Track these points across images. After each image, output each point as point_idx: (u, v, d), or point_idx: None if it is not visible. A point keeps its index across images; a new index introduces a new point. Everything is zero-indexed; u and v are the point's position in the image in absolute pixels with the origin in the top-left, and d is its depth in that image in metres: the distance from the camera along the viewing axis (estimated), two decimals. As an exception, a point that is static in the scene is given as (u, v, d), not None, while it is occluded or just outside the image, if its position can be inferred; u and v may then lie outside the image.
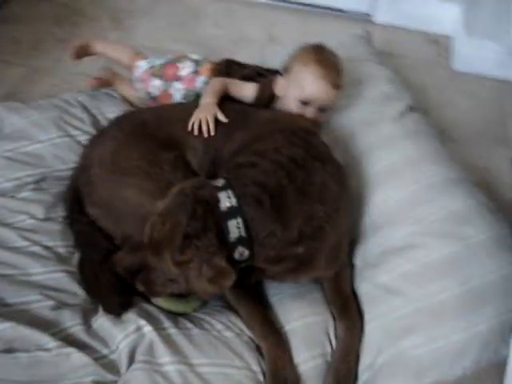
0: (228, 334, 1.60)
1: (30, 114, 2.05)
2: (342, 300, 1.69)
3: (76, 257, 1.77)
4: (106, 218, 1.78)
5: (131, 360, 1.52)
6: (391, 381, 1.55)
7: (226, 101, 1.93)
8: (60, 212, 1.86)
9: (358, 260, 1.78)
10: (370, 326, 1.62)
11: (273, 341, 1.58)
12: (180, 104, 2.05)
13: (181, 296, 1.62)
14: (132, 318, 1.58)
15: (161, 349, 1.52)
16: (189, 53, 2.16)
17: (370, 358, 1.58)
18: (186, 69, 2.06)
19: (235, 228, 1.45)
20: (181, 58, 2.10)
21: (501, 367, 1.50)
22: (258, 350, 1.60)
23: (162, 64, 2.09)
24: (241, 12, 3.00)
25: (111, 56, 2.21)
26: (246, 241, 1.46)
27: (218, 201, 1.46)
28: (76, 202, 1.83)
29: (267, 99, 1.96)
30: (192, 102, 2.00)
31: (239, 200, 1.47)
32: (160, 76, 2.08)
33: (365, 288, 1.71)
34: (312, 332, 1.63)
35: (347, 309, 1.67)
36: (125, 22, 2.85)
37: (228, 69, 2.05)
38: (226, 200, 1.47)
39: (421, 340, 1.54)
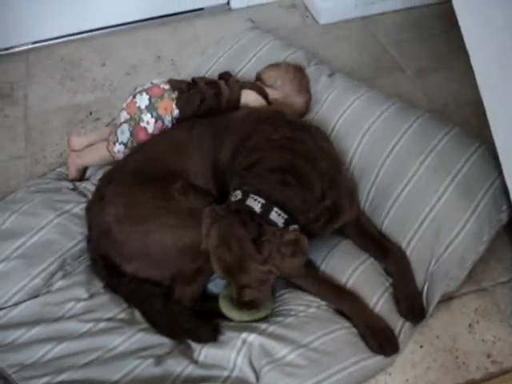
0: (311, 310, 1.77)
1: (17, 208, 2.04)
2: (375, 242, 1.92)
3: (137, 314, 1.84)
4: (146, 267, 1.84)
5: (253, 368, 1.66)
6: (447, 278, 1.83)
7: (196, 119, 2.10)
8: (99, 284, 1.91)
9: (365, 204, 2.04)
10: (410, 247, 1.89)
11: (350, 301, 1.78)
12: (155, 139, 2.11)
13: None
14: (232, 336, 1.71)
15: (273, 346, 1.67)
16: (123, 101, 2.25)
17: (423, 271, 1.85)
18: (150, 124, 2.14)
19: (277, 217, 1.65)
20: (134, 115, 2.14)
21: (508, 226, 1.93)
22: (337, 311, 1.79)
23: (130, 136, 2.15)
24: (116, 44, 3.05)
25: (95, 161, 2.26)
26: (291, 219, 1.67)
27: (250, 208, 1.64)
28: (109, 268, 1.87)
29: None
30: (161, 134, 2.12)
31: (267, 193, 1.66)
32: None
33: (386, 222, 1.97)
34: (369, 277, 1.85)
35: (384, 247, 1.90)
36: (15, 95, 2.79)
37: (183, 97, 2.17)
38: (255, 203, 1.65)
39: (451, 235, 1.83)
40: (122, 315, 1.84)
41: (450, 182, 1.89)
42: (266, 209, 1.64)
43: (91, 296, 1.87)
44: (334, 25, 3.08)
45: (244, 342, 1.68)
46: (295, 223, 1.67)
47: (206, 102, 2.16)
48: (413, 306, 1.80)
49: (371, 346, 1.70)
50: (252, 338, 1.68)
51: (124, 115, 2.17)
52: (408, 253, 1.89)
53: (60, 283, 1.89)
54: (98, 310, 1.83)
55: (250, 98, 2.22)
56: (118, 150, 2.16)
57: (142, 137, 2.14)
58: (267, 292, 1.72)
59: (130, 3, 3.07)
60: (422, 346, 1.78)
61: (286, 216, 1.66)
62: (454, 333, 1.82)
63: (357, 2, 3.06)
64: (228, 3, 3.23)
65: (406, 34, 3.02)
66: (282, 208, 1.66)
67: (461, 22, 1.80)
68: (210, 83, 2.22)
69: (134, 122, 2.14)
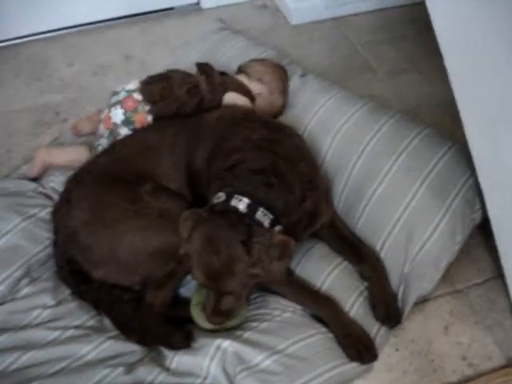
0: (287, 314, 1.74)
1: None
2: (349, 245, 1.90)
3: (106, 322, 1.78)
4: (115, 272, 1.78)
5: (228, 376, 1.62)
6: (422, 280, 1.81)
7: (169, 120, 2.05)
8: (66, 291, 1.84)
9: (338, 205, 2.02)
10: (384, 250, 1.87)
11: (327, 306, 1.75)
12: (125, 141, 2.05)
13: None
14: (206, 342, 1.66)
15: (248, 352, 1.63)
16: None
17: (398, 273, 1.83)
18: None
19: (263, 217, 1.61)
20: (112, 130, 2.10)
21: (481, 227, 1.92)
22: (314, 316, 1.76)
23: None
24: (84, 44, 2.99)
25: (68, 161, 2.19)
26: (276, 219, 1.63)
27: (236, 208, 1.59)
28: (76, 274, 1.81)
29: None
30: (133, 134, 2.07)
31: (251, 194, 1.61)
32: None
33: (360, 224, 1.94)
34: (344, 281, 1.83)
35: (359, 251, 1.88)
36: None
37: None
38: (239, 203, 1.60)
39: (425, 236, 1.81)
40: (91, 322, 1.78)
41: (422, 181, 1.88)
42: (252, 208, 1.59)
43: (58, 303, 1.81)
44: (305, 25, 3.07)
45: (218, 348, 1.64)
46: (279, 223, 1.64)
47: (183, 109, 2.11)
48: (388, 311, 1.78)
49: (349, 354, 1.67)
50: (226, 344, 1.64)
51: (102, 129, 2.13)
52: (382, 255, 1.87)
53: (26, 290, 1.83)
54: (66, 318, 1.77)
55: (233, 99, 2.17)
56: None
57: None
58: (244, 300, 1.67)
59: (98, 2, 3.02)
60: (397, 350, 1.76)
61: (271, 216, 1.62)
62: (429, 335, 1.80)
63: (327, 3, 3.04)
64: (198, 3, 3.19)
65: (377, 35, 3.02)
66: (267, 209, 1.62)
67: (434, 22, 1.78)
68: (192, 90, 2.14)
69: (113, 136, 2.09)
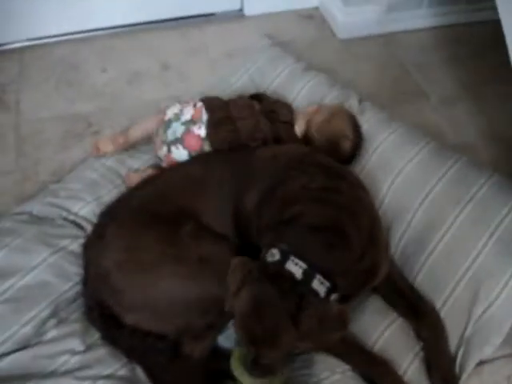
0: (336, 377, 1.60)
1: (7, 242, 1.79)
2: (406, 300, 1.74)
3: (139, 371, 1.64)
4: (150, 319, 1.63)
5: None
6: (484, 345, 1.66)
7: (215, 153, 1.91)
8: (96, 334, 1.69)
9: (395, 254, 1.86)
10: (446, 308, 1.71)
11: (382, 370, 1.61)
12: (166, 173, 1.92)
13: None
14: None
15: (295, 423, 1.48)
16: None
17: (458, 335, 1.68)
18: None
19: (320, 285, 1.45)
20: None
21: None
22: (363, 377, 1.62)
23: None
24: (120, 47, 2.81)
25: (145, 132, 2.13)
26: (332, 286, 1.46)
27: (290, 273, 1.43)
28: (107, 318, 1.66)
29: None
30: (175, 167, 1.93)
31: (310, 257, 1.45)
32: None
33: (420, 277, 1.78)
34: (400, 340, 1.69)
35: (417, 307, 1.72)
36: (6, 98, 2.53)
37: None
38: (295, 268, 1.44)
39: (491, 296, 1.66)
40: (122, 372, 1.63)
41: (490, 235, 1.73)
42: (309, 276, 1.43)
43: (87, 348, 1.65)
44: (352, 40, 2.87)
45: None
46: (335, 290, 1.48)
47: None
48: (446, 377, 1.63)
49: None
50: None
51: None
52: (442, 314, 1.72)
53: (53, 332, 1.67)
54: (95, 366, 1.62)
55: None
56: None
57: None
58: (287, 359, 1.52)
59: (135, 3, 2.83)
60: (451, 421, 1.62)
61: (328, 284, 1.45)
62: (485, 405, 1.65)
63: (380, 17, 2.85)
64: (241, 9, 3.00)
65: (429, 55, 2.82)
66: (324, 274, 1.45)
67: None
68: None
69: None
